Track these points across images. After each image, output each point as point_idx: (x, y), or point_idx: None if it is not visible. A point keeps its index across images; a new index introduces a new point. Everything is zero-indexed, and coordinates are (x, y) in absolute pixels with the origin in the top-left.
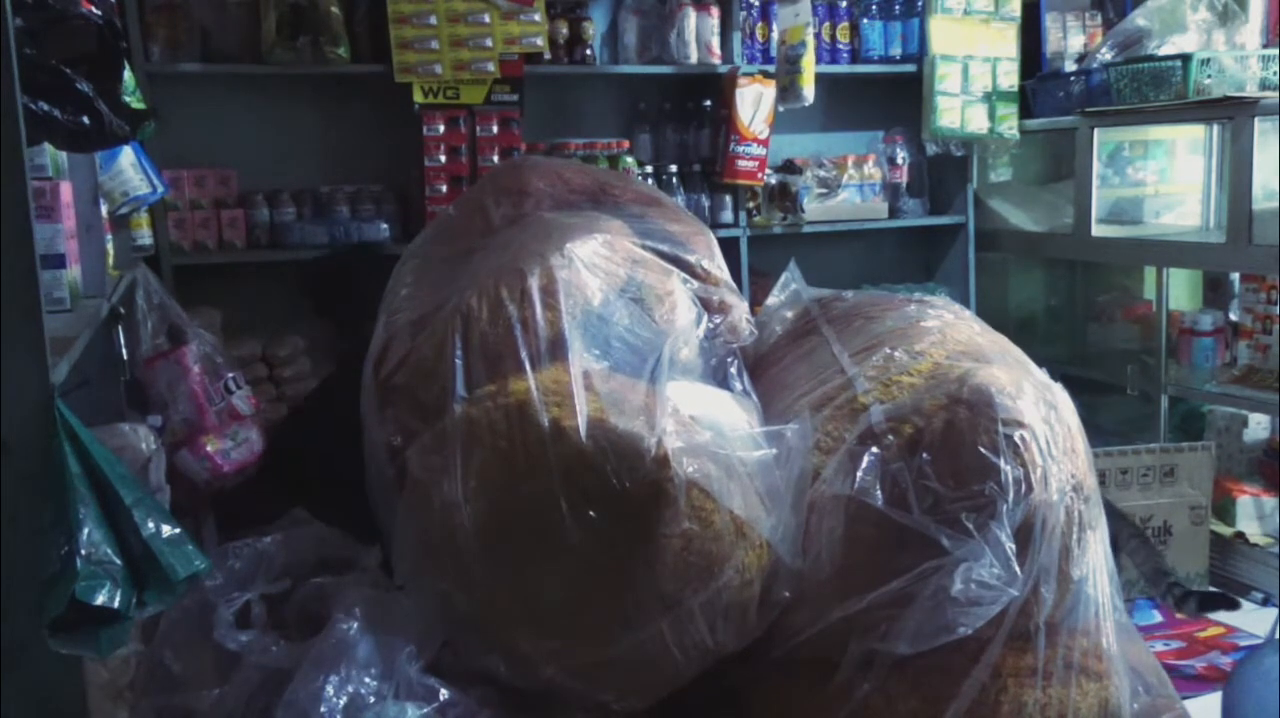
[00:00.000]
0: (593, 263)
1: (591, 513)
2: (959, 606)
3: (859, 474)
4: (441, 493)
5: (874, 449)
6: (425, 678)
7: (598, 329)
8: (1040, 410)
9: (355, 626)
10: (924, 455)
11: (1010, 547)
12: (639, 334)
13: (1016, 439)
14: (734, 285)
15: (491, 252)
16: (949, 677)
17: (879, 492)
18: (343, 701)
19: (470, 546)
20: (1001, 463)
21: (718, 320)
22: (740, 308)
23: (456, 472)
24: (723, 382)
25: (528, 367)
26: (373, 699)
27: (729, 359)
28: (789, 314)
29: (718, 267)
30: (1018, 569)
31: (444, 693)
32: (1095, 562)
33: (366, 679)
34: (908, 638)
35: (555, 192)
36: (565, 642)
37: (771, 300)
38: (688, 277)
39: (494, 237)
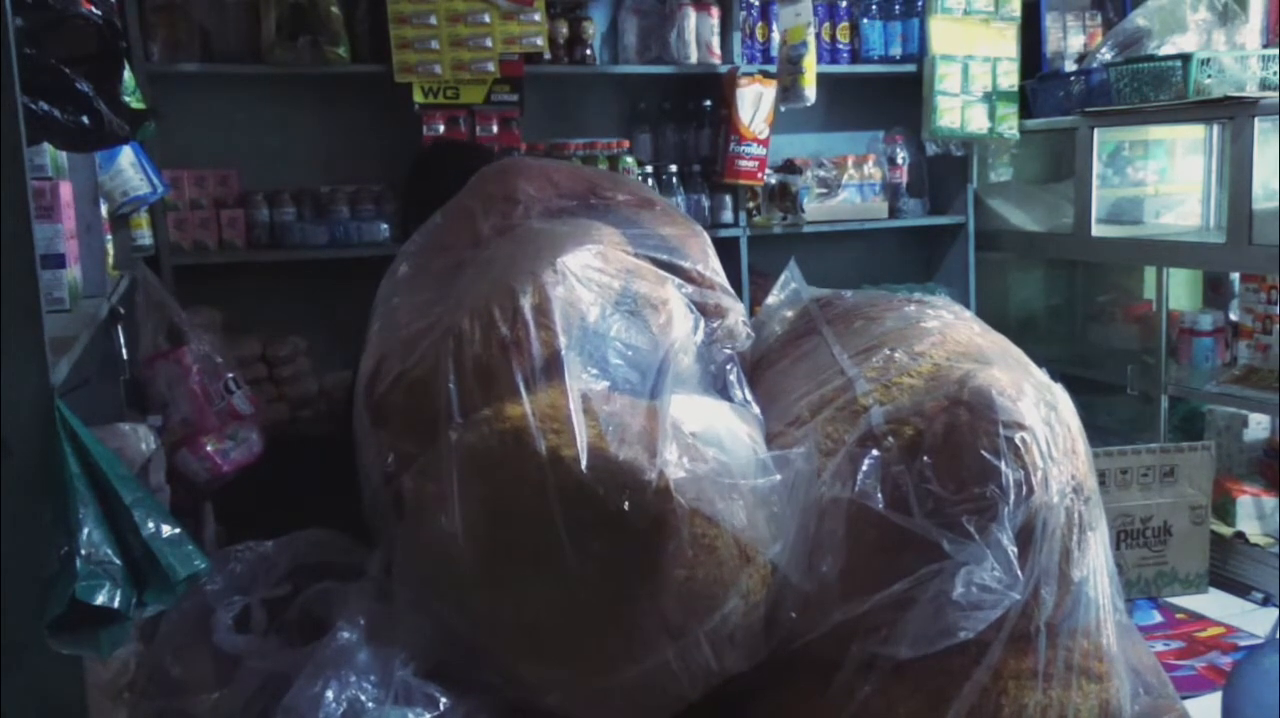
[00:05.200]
0: (586, 276)
1: (592, 544)
2: (960, 609)
3: (859, 477)
4: (439, 522)
5: (874, 452)
6: (425, 685)
7: (594, 346)
8: (1040, 412)
9: (357, 634)
10: (925, 458)
11: (1012, 550)
12: (637, 348)
13: (1017, 441)
14: (730, 288)
15: (482, 267)
16: (950, 679)
17: (879, 494)
18: (341, 706)
19: (470, 575)
20: (1002, 465)
21: (714, 325)
22: (736, 311)
23: (454, 501)
24: (722, 390)
25: (523, 390)
26: (371, 705)
27: (728, 366)
28: (788, 314)
29: (713, 270)
30: (1019, 572)
31: (444, 701)
32: (1095, 563)
33: (365, 685)
34: (909, 641)
35: (544, 197)
36: (569, 671)
37: (771, 300)
38: (683, 282)
39: (484, 248)
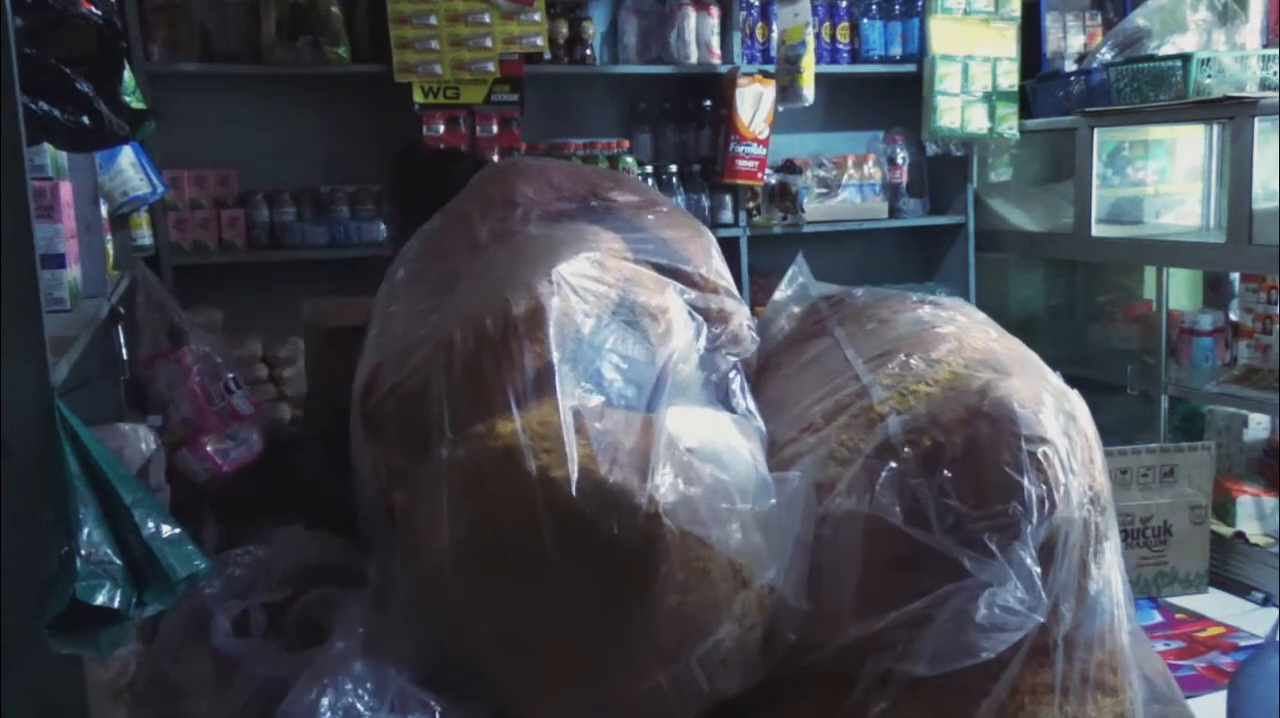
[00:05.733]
0: (582, 286)
1: (583, 568)
2: (982, 630)
3: (877, 490)
4: (430, 540)
5: (892, 464)
6: (422, 693)
7: (589, 359)
8: (1060, 423)
9: (354, 643)
10: (944, 472)
11: (1036, 569)
12: (634, 360)
13: (1040, 456)
14: (734, 291)
15: (478, 276)
16: (967, 696)
17: (898, 509)
18: (338, 714)
19: (461, 592)
20: (1025, 481)
21: (718, 330)
22: (741, 314)
23: (444, 519)
24: (724, 399)
25: (514, 407)
26: (368, 713)
27: (731, 374)
28: (796, 310)
29: (716, 272)
30: (1043, 593)
31: (439, 710)
32: (1110, 573)
33: (362, 693)
34: (926, 659)
35: (544, 200)
36: (558, 690)
37: (778, 295)
38: (685, 287)
39: (481, 254)
